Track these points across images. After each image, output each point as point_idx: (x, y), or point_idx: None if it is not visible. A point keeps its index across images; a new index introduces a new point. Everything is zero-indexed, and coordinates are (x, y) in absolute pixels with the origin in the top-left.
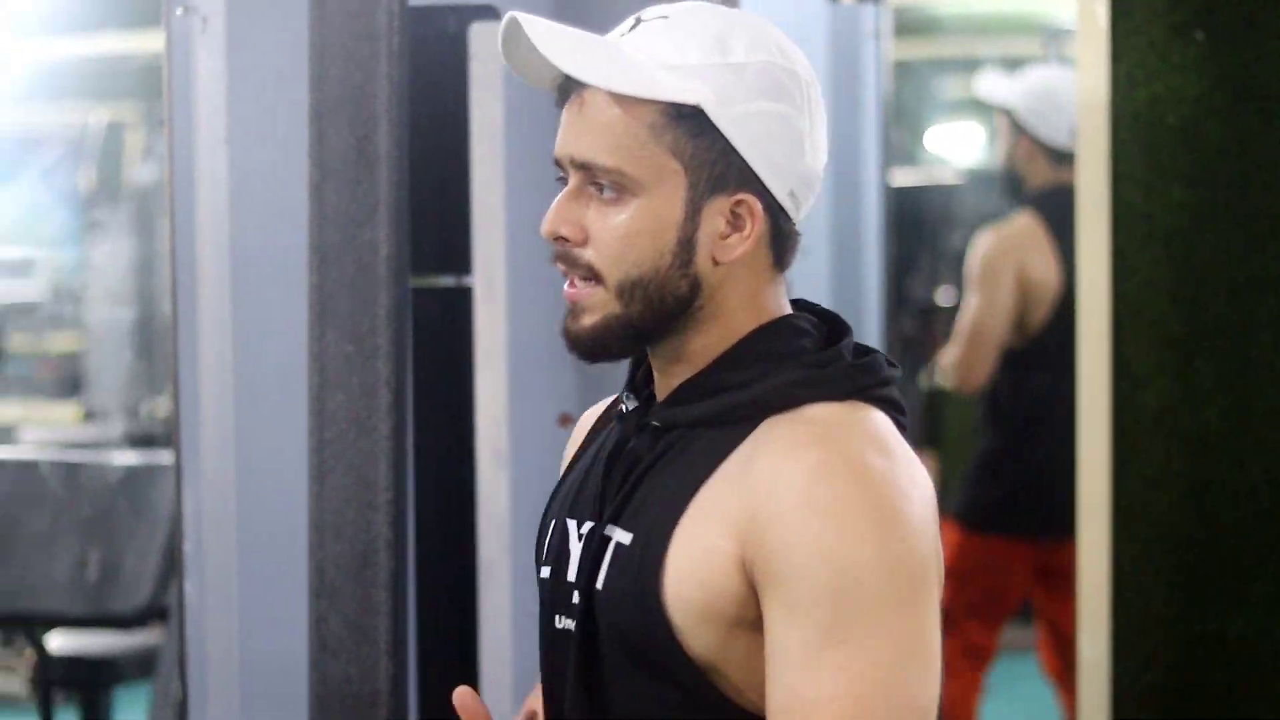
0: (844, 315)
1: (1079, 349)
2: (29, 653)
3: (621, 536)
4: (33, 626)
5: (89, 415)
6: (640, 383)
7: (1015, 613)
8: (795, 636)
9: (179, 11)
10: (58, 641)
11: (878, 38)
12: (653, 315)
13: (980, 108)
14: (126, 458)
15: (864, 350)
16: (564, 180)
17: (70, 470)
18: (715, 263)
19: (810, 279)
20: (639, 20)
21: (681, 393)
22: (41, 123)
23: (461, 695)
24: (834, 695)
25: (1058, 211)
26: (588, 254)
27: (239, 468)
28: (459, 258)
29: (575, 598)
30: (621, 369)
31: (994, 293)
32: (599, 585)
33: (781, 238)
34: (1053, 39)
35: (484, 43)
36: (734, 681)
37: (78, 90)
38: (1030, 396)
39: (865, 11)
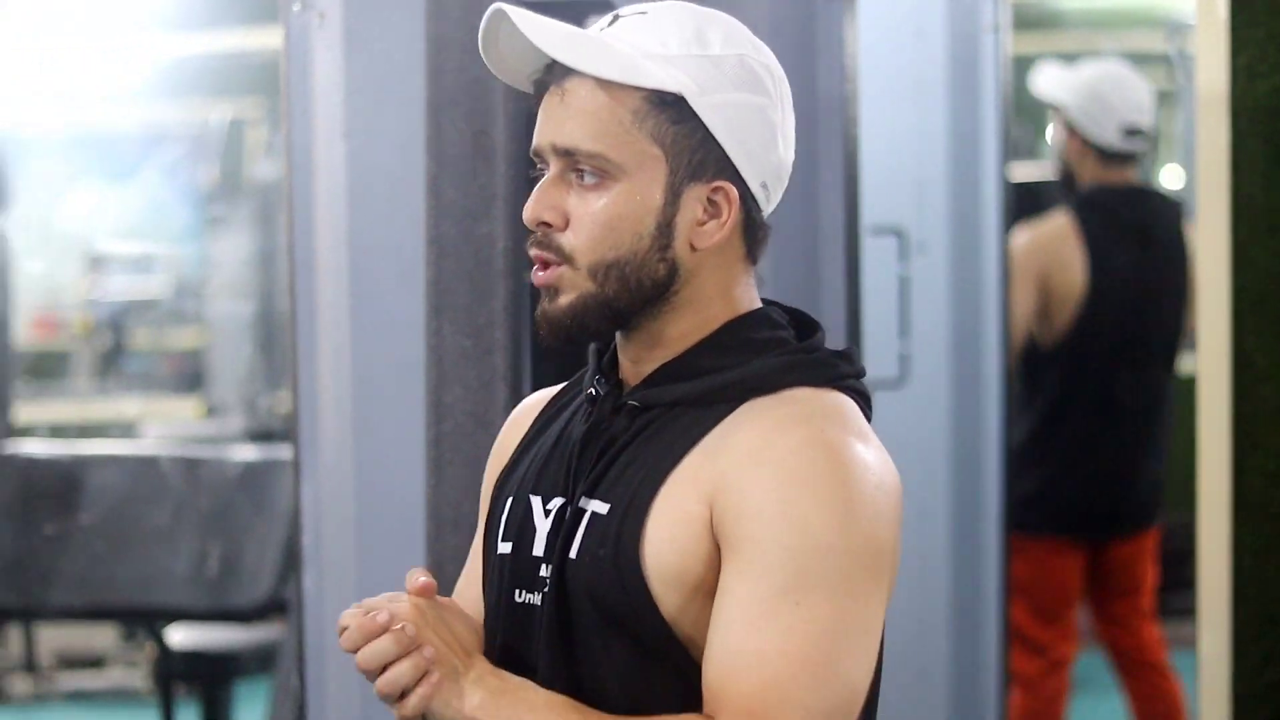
0: (964, 312)
1: (1199, 343)
2: (150, 647)
3: (598, 507)
4: (153, 621)
5: (211, 411)
6: (607, 368)
7: (1077, 610)
8: (751, 592)
9: (296, 7)
10: (178, 636)
11: (997, 31)
12: (629, 296)
13: None
14: (246, 453)
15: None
16: (542, 174)
17: (190, 465)
18: (692, 248)
19: (929, 275)
20: (617, 16)
21: (660, 375)
22: (164, 120)
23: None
24: (780, 651)
25: (1100, 212)
26: (565, 238)
27: (357, 462)
28: None
29: (542, 570)
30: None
31: (1014, 291)
32: (572, 555)
33: (754, 228)
34: (1175, 33)
35: None
36: (700, 644)
37: (200, 87)
38: (1055, 394)
39: (984, 5)
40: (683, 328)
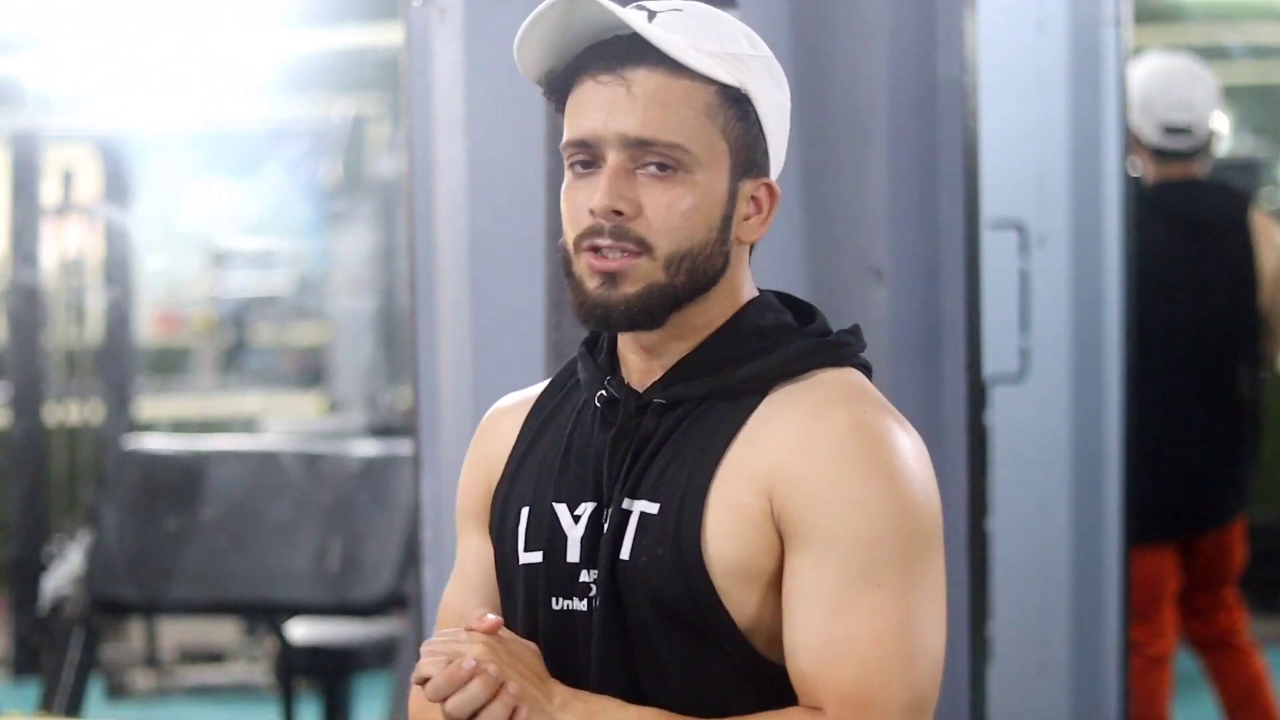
0: (1085, 307)
1: None
2: (270, 642)
3: (646, 507)
4: (274, 616)
5: (333, 406)
6: (604, 369)
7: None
8: (827, 580)
9: (417, 3)
10: (299, 631)
11: (1118, 24)
12: (691, 287)
13: (1223, 95)
14: (367, 448)
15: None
16: (585, 163)
17: (311, 461)
18: (739, 241)
19: (1049, 268)
20: (650, 11)
21: (682, 370)
22: (287, 116)
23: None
24: (868, 634)
25: (1152, 208)
26: (639, 227)
27: None
28: None
29: (583, 576)
30: None
31: None
32: (624, 556)
33: None
34: None
35: None
36: (765, 636)
37: (323, 83)
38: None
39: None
40: (708, 318)
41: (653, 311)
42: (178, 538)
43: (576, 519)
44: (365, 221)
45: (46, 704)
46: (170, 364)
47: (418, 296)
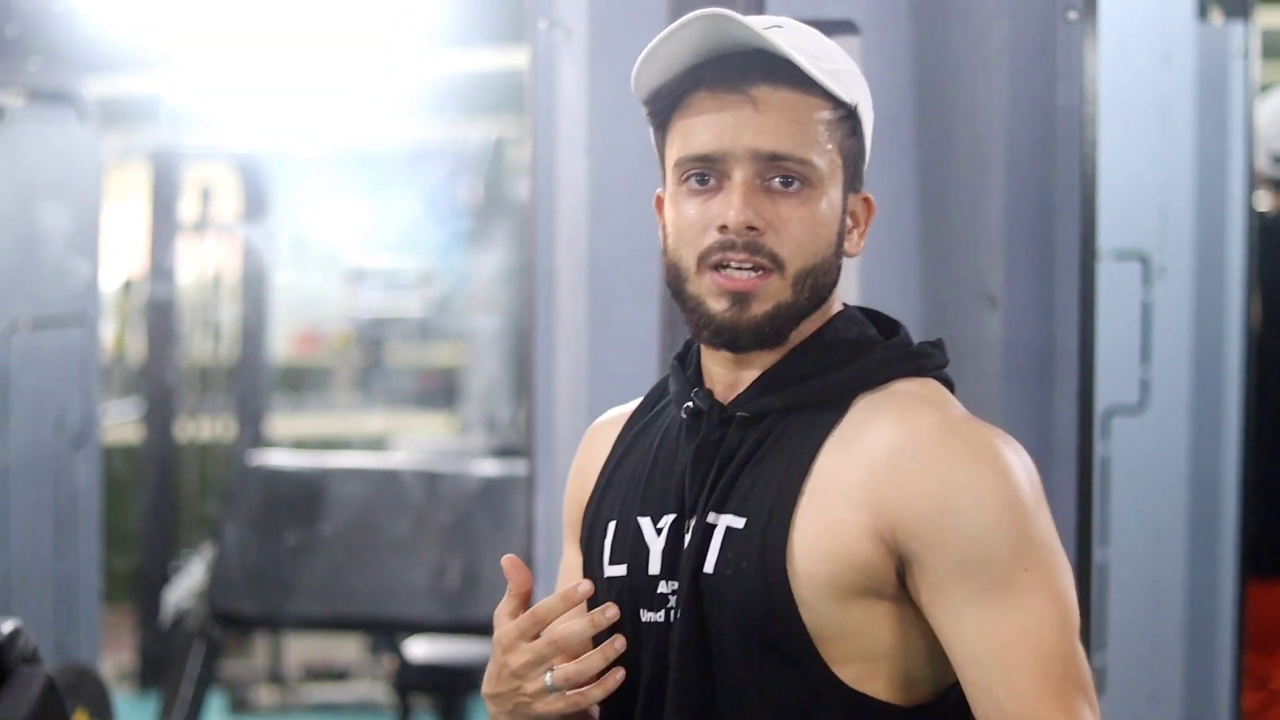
0: (1206, 339)
1: None
2: (389, 659)
3: (732, 522)
4: (392, 632)
5: (464, 427)
6: (692, 381)
7: None
8: (971, 589)
9: (543, 25)
10: (418, 648)
11: (1246, 57)
12: (812, 303)
13: None
14: (487, 467)
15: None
16: (702, 178)
17: (431, 479)
18: (845, 255)
19: (1171, 300)
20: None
21: (767, 382)
22: (429, 137)
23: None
24: (1026, 629)
25: (1270, 240)
26: (772, 243)
27: None
28: None
29: (661, 588)
30: None
31: None
32: (708, 570)
33: None
34: None
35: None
36: (840, 651)
37: (465, 105)
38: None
39: (1234, 30)
40: (803, 331)
41: (781, 331)
42: (297, 552)
43: (659, 531)
44: (505, 242)
45: (165, 716)
46: (306, 381)
47: (537, 316)
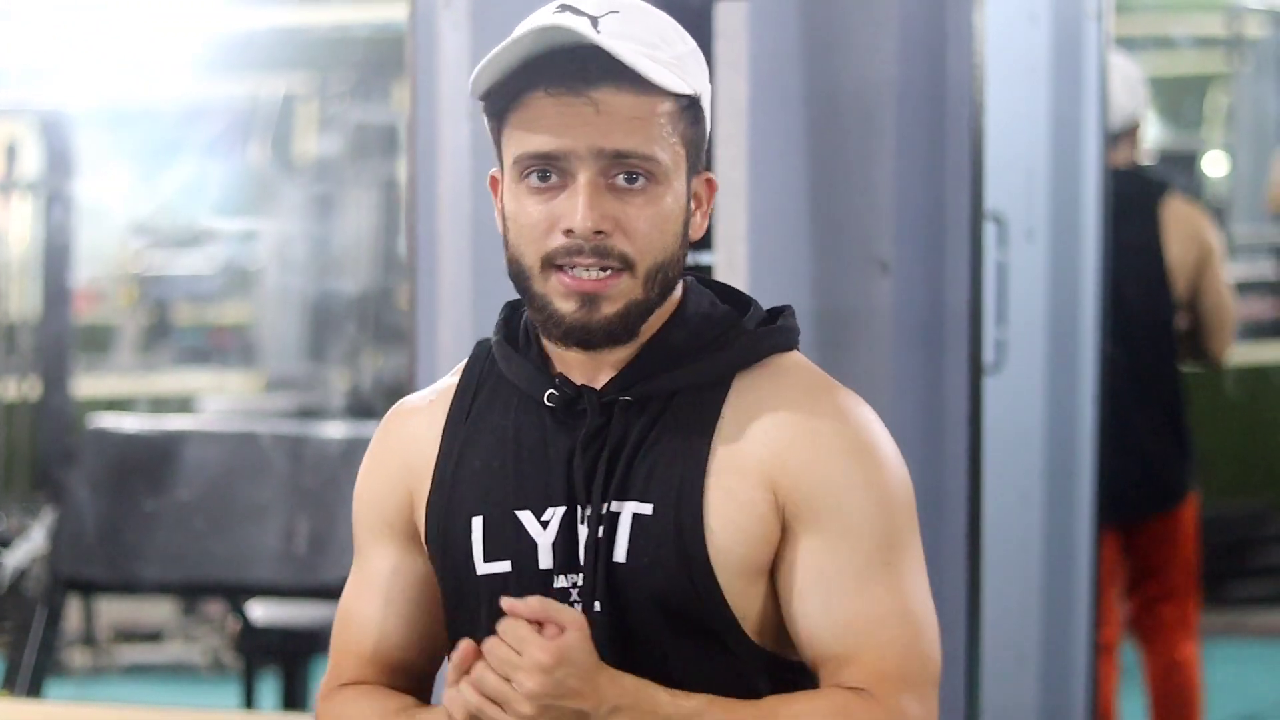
0: (1062, 299)
1: None
2: (232, 621)
3: (638, 509)
4: (239, 596)
5: (269, 386)
6: (539, 364)
7: (1116, 594)
8: (844, 563)
9: None
10: (261, 612)
11: (1100, 18)
12: (662, 297)
13: (1160, 86)
14: (336, 429)
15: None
16: (543, 174)
17: (287, 442)
18: (690, 241)
19: (1029, 261)
20: (592, 17)
21: (641, 366)
22: (214, 94)
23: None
24: (890, 613)
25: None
26: (620, 244)
27: None
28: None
29: (559, 582)
30: None
31: None
32: (619, 559)
33: None
34: (1235, 18)
35: (729, 21)
36: (757, 624)
37: (251, 62)
38: None
39: None
40: (659, 314)
41: (632, 328)
42: (145, 517)
43: (544, 525)
44: (294, 201)
45: (8, 684)
46: (89, 340)
47: (419, 282)
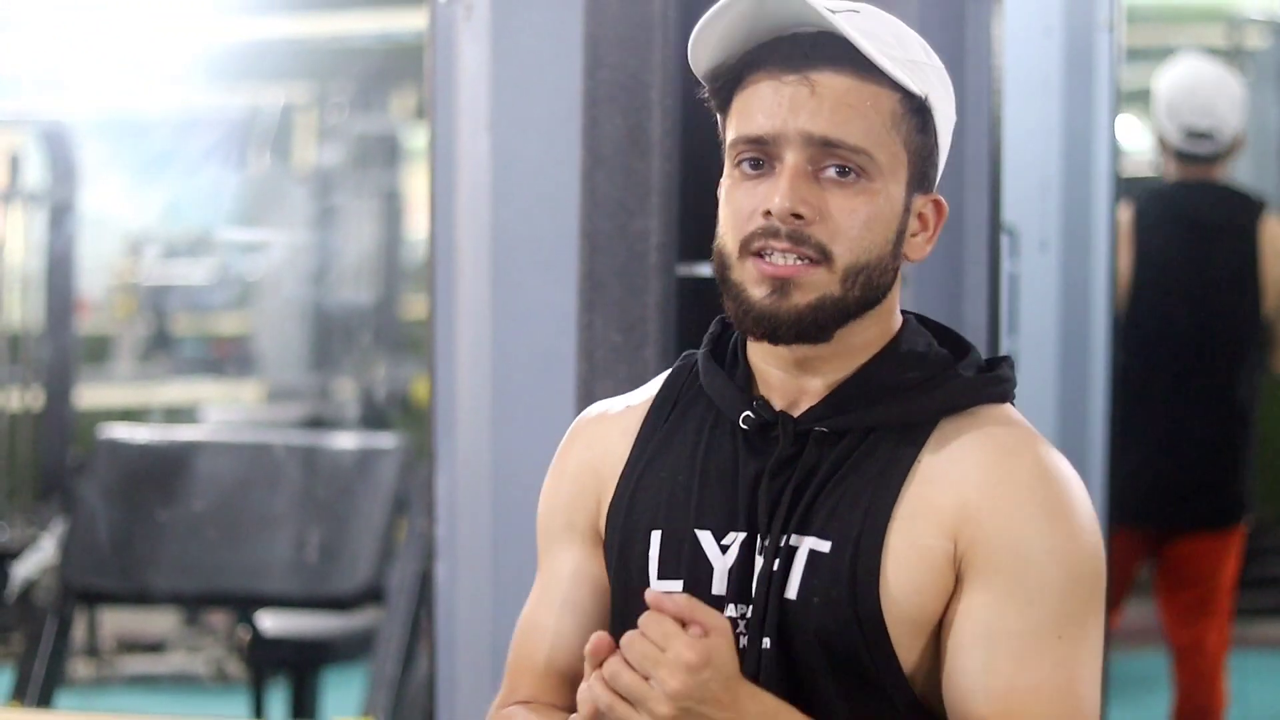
0: (1073, 309)
1: None
2: (241, 632)
3: (817, 545)
4: (250, 607)
5: (271, 397)
6: (742, 383)
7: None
8: (1013, 625)
9: (443, 0)
10: (269, 622)
11: (1112, 29)
12: (863, 302)
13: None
14: (348, 440)
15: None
16: (755, 162)
17: (298, 453)
18: (905, 259)
19: (1040, 272)
20: (830, 10)
21: (844, 396)
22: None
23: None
24: (1052, 688)
25: (1160, 206)
26: (819, 233)
27: (495, 453)
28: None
29: (730, 611)
30: None
31: None
32: (791, 595)
33: None
34: (1236, 29)
35: None
36: (923, 681)
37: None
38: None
39: (1101, 1)
40: (866, 337)
41: (824, 325)
42: (157, 527)
43: (724, 549)
44: (295, 210)
45: (18, 695)
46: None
47: (436, 292)
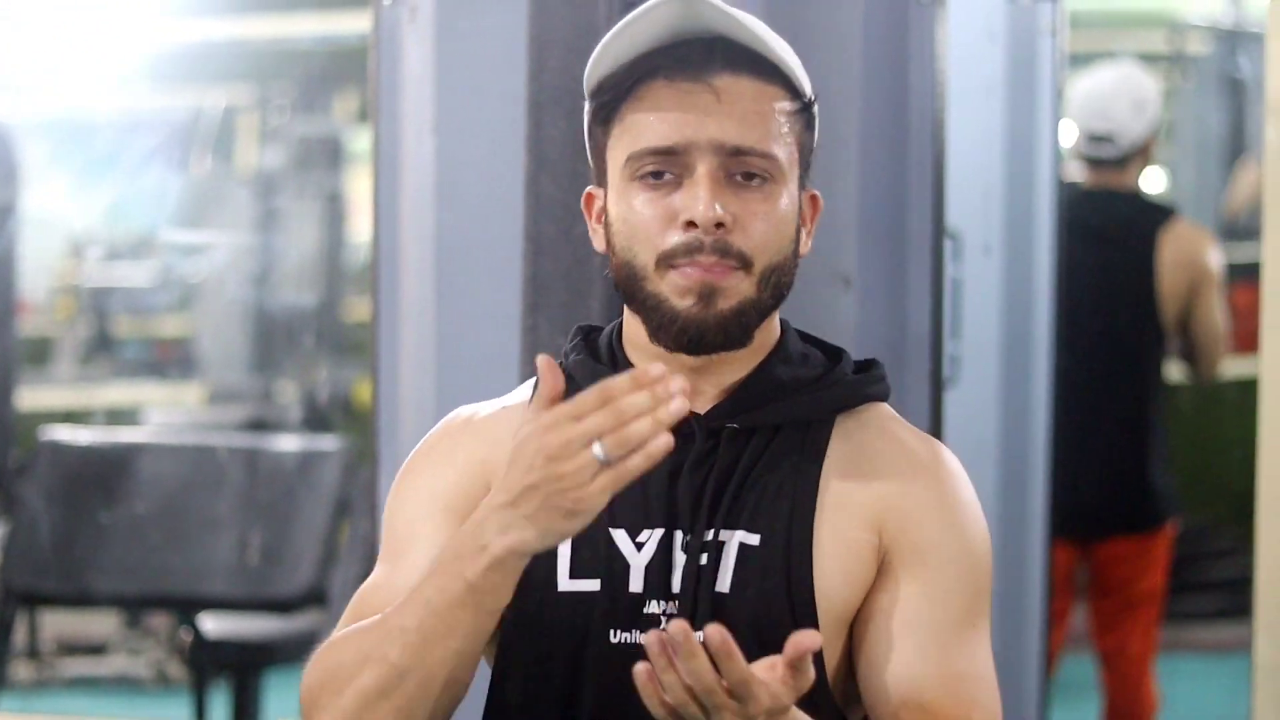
0: (1015, 314)
1: (1263, 346)
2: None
3: (746, 538)
4: (192, 609)
5: (213, 399)
6: None
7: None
8: (940, 615)
9: (387, 1)
10: (213, 624)
11: (1054, 34)
12: (774, 303)
13: None
14: (290, 442)
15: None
16: (658, 173)
17: (241, 455)
18: (798, 254)
19: (982, 276)
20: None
21: (749, 394)
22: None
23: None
24: (969, 674)
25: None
26: (739, 241)
27: None
28: None
29: (650, 607)
30: None
31: None
32: (723, 589)
33: None
34: (1177, 34)
35: None
36: (832, 677)
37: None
38: None
39: (1044, 7)
40: (762, 339)
41: (748, 329)
42: (100, 529)
43: (639, 546)
44: (236, 213)
45: None
46: (34, 353)
47: (380, 294)
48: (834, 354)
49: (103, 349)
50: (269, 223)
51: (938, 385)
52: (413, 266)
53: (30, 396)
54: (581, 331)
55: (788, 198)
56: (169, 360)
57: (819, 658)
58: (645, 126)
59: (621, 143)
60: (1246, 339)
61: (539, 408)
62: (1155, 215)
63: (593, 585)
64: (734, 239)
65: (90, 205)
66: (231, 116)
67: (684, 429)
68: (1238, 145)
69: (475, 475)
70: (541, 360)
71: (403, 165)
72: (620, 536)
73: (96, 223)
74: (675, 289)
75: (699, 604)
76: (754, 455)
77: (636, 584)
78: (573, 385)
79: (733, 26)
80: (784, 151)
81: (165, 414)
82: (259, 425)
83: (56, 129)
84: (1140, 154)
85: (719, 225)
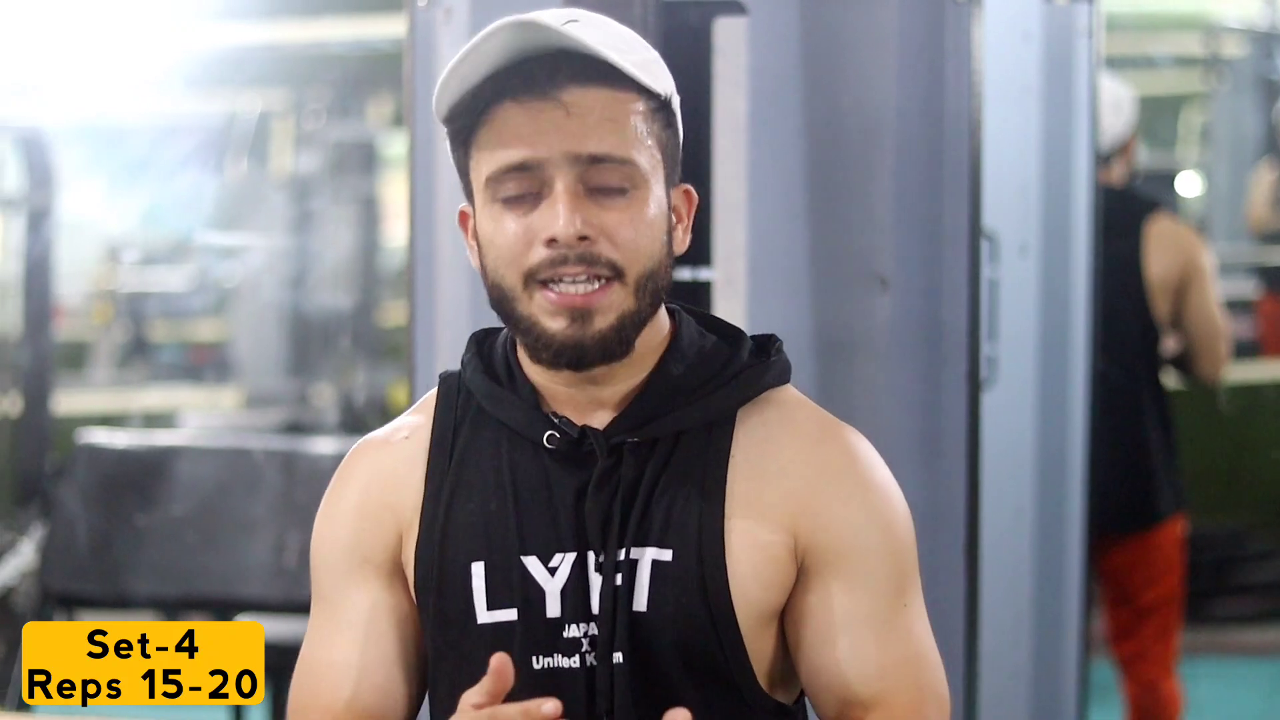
0: (1052, 315)
1: None
2: None
3: (658, 555)
4: (226, 610)
5: (249, 403)
6: (530, 401)
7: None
8: (869, 608)
9: (421, 4)
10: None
11: (1091, 35)
12: (652, 308)
13: (1138, 105)
14: (327, 445)
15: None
16: (513, 197)
17: (269, 457)
18: (674, 254)
19: (1020, 277)
20: (554, 27)
21: (646, 405)
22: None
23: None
24: (906, 656)
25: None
26: (607, 250)
27: None
28: (699, 251)
29: (570, 631)
30: None
31: None
32: (640, 608)
33: None
34: (1213, 37)
35: (728, 38)
36: (766, 674)
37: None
38: None
39: (1080, 8)
40: (651, 342)
41: (626, 341)
42: (138, 532)
43: (552, 571)
44: (272, 217)
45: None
46: (63, 357)
47: (416, 297)
48: (732, 338)
49: (139, 353)
50: (304, 227)
51: (975, 386)
52: (448, 270)
53: (67, 400)
54: (476, 340)
55: (654, 201)
56: (205, 364)
57: (747, 662)
58: (499, 148)
59: (480, 166)
60: None
61: (478, 701)
62: (1139, 209)
63: (510, 615)
64: (601, 249)
65: (126, 210)
66: (266, 121)
67: (585, 447)
68: (1274, 148)
69: (379, 521)
70: (497, 660)
71: (438, 168)
72: (532, 563)
73: (132, 227)
74: (545, 310)
75: (618, 625)
76: (657, 467)
77: (554, 609)
78: (470, 400)
79: (572, 42)
80: (644, 155)
81: (202, 417)
82: (295, 429)
83: (92, 134)
84: (1121, 153)
85: (583, 238)
